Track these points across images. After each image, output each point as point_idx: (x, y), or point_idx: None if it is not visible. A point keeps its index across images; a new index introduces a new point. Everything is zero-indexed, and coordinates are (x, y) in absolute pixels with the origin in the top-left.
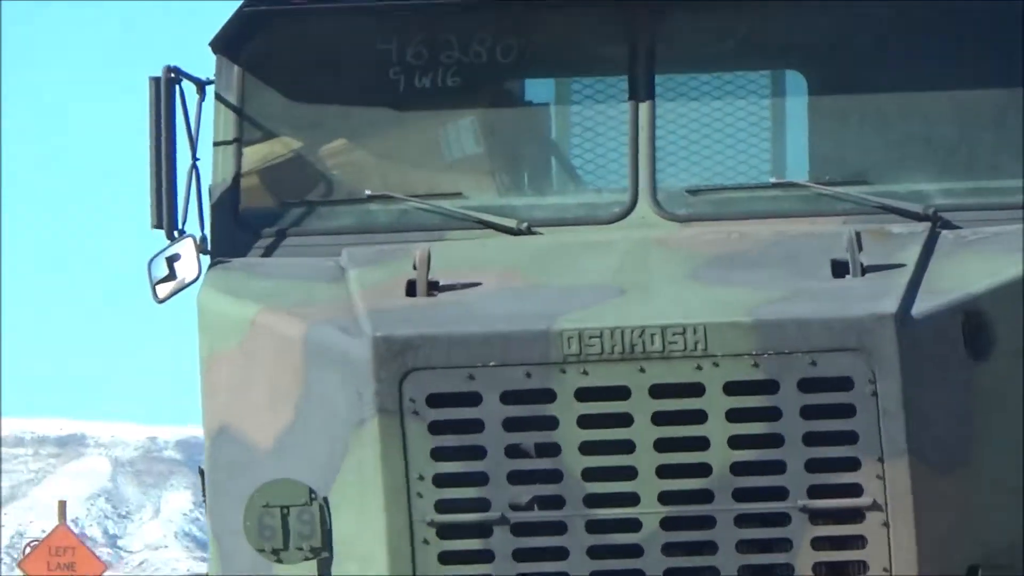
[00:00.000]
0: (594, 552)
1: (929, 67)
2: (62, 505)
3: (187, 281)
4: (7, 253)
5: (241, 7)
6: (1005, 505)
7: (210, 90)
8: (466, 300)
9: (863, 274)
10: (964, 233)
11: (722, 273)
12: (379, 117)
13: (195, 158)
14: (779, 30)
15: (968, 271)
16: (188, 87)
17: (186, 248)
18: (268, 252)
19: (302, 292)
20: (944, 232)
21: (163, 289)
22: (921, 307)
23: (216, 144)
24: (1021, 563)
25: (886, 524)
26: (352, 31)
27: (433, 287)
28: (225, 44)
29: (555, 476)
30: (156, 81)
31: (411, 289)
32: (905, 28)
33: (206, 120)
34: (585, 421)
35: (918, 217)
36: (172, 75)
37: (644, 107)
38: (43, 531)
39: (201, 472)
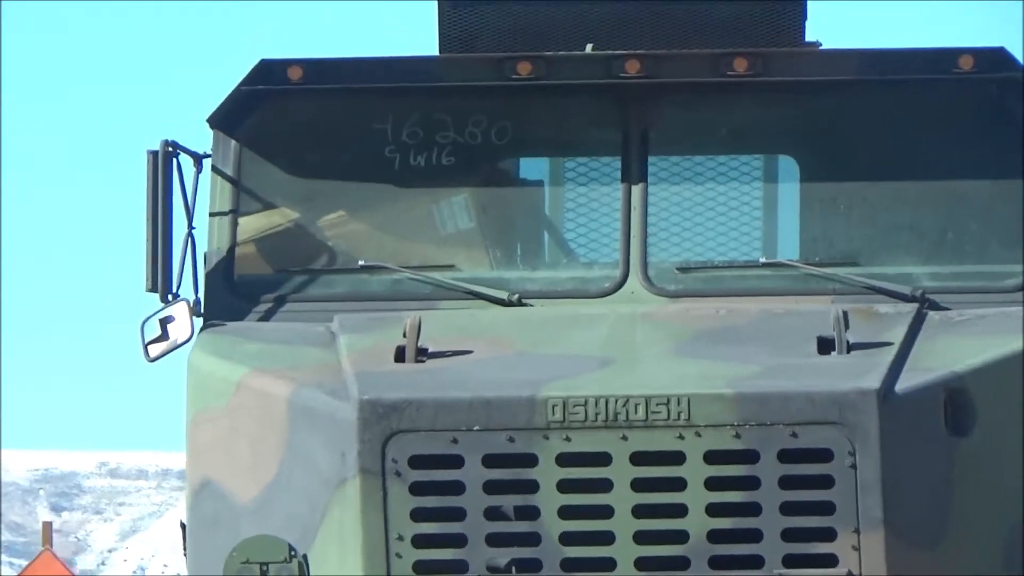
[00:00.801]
0: None
1: (918, 155)
2: (47, 527)
3: (179, 342)
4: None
5: (239, 85)
6: None
7: (206, 163)
8: (453, 367)
9: (848, 351)
10: (950, 314)
11: (708, 347)
12: (374, 192)
13: (191, 226)
14: (771, 117)
15: (952, 351)
16: (184, 160)
17: (180, 311)
18: (260, 317)
19: (291, 355)
20: (931, 313)
21: (155, 349)
22: (904, 384)
23: (212, 214)
24: None
25: None
26: (348, 110)
27: (422, 353)
28: (222, 120)
29: (533, 539)
30: (154, 155)
31: (400, 355)
32: (895, 116)
33: (202, 190)
34: (565, 486)
35: (905, 298)
36: (169, 149)
37: (637, 188)
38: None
39: (182, 525)
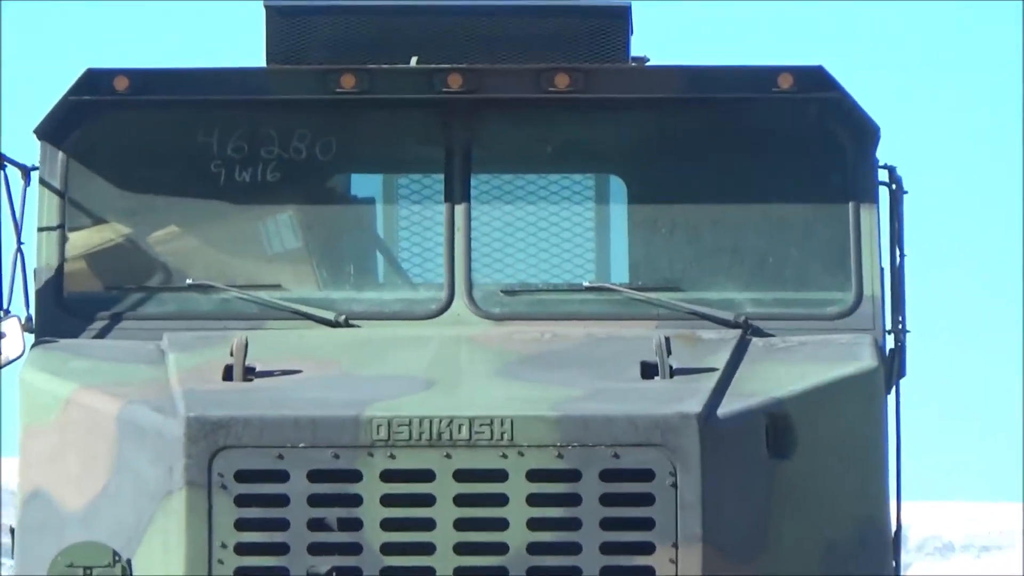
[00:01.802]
0: None
1: (740, 176)
2: None
3: (11, 358)
4: None
5: (65, 95)
6: None
7: (34, 176)
8: (280, 386)
9: (671, 376)
10: (773, 341)
11: (532, 371)
12: (201, 208)
13: (19, 242)
14: (593, 135)
15: (774, 376)
16: (12, 173)
17: (11, 327)
18: (91, 334)
19: (120, 372)
20: (754, 339)
21: None
22: (725, 408)
23: (40, 229)
24: None
25: None
26: (175, 123)
27: (249, 372)
28: (49, 131)
29: (355, 549)
30: None
31: (228, 374)
32: (717, 136)
33: (31, 204)
34: (389, 500)
35: (729, 324)
36: None
37: (460, 208)
38: None
39: (12, 531)
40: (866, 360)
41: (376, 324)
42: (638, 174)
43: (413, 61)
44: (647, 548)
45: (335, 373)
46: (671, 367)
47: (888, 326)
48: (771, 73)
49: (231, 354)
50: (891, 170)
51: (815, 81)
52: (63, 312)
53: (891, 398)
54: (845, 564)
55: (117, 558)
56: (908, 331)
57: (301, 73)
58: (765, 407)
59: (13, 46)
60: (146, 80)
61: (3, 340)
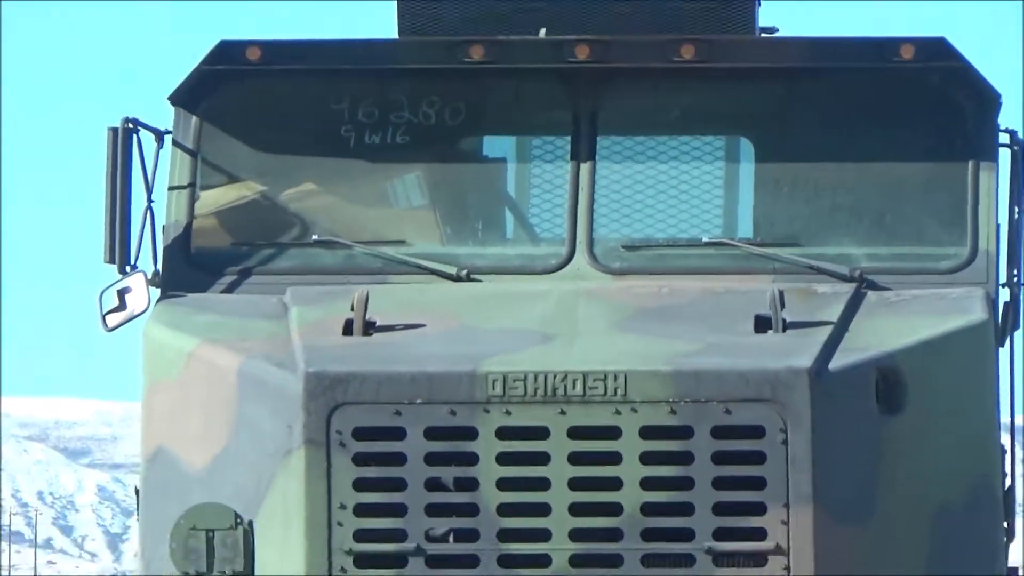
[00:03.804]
0: None
1: (863, 143)
2: None
3: (136, 312)
4: None
5: (199, 65)
6: (905, 557)
7: (167, 140)
8: (399, 341)
9: (784, 330)
10: (887, 295)
11: (647, 324)
12: (328, 168)
13: (150, 200)
14: (715, 102)
15: (886, 331)
16: (145, 138)
17: (137, 282)
18: (217, 289)
19: (242, 327)
20: (868, 293)
21: (113, 319)
22: (837, 363)
23: (171, 188)
24: None
25: (787, 568)
26: (305, 90)
27: (370, 327)
28: (183, 98)
29: (471, 510)
30: (114, 131)
31: (348, 328)
32: (837, 103)
33: (162, 166)
34: (504, 458)
35: (844, 278)
36: (129, 125)
37: (585, 166)
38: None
39: (137, 491)
40: (977, 313)
41: (497, 278)
42: (758, 137)
43: (542, 33)
44: (759, 509)
45: (454, 327)
46: (784, 321)
47: (1003, 280)
48: (893, 44)
49: (352, 308)
50: (1012, 134)
51: (937, 52)
52: (190, 267)
53: (1005, 351)
54: (955, 525)
55: (239, 520)
56: (1023, 284)
57: (431, 44)
58: (876, 361)
59: (145, 23)
60: (277, 51)
61: (129, 295)
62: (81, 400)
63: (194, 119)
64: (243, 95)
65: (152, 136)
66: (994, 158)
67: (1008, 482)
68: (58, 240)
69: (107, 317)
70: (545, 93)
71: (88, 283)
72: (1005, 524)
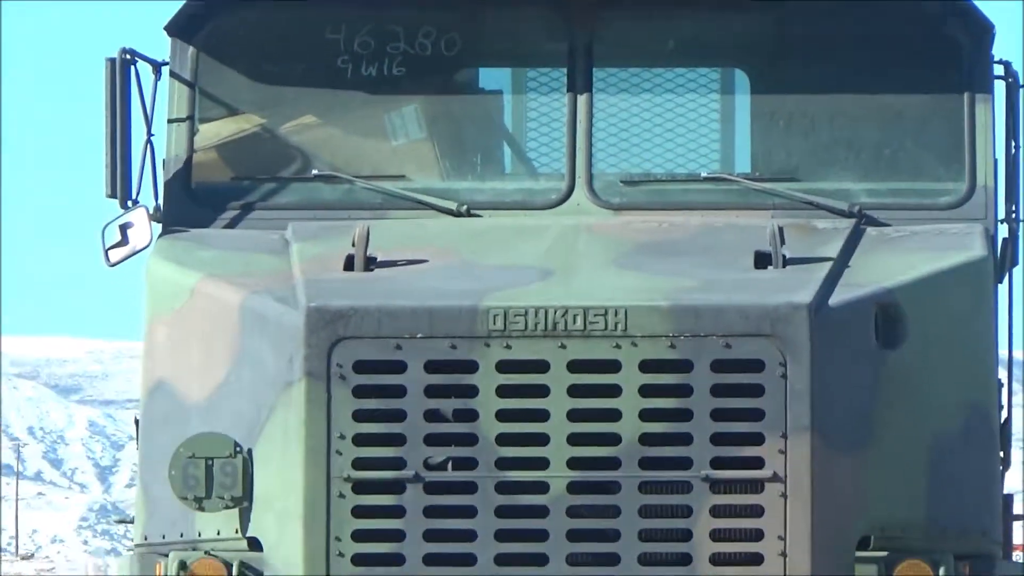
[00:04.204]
0: (502, 511)
1: (860, 76)
2: None
3: (138, 248)
4: None
5: None
6: (902, 485)
7: (165, 71)
8: (400, 276)
9: (784, 266)
10: (886, 230)
11: (647, 260)
12: (327, 101)
13: (150, 134)
14: (714, 32)
15: (885, 266)
16: (143, 68)
17: (139, 217)
18: (218, 224)
19: (244, 262)
20: (868, 229)
21: (116, 254)
22: (836, 299)
23: (170, 121)
24: (913, 538)
25: (784, 495)
26: (301, 20)
27: (371, 262)
28: (179, 28)
29: (470, 439)
30: (112, 62)
31: (349, 263)
32: (838, 39)
33: (161, 99)
34: (504, 391)
35: (843, 214)
36: (127, 56)
37: (582, 99)
38: None
39: (136, 422)
40: (976, 249)
41: (497, 213)
42: (757, 69)
43: None
44: (757, 439)
45: (454, 263)
46: (784, 257)
47: (1001, 216)
48: None
49: (353, 244)
50: (1007, 65)
51: None
52: (191, 202)
53: (1003, 287)
54: (952, 455)
55: (238, 449)
56: (1022, 220)
57: None
58: (875, 297)
59: None
60: None
61: (131, 230)
62: (73, 339)
63: (191, 50)
64: (239, 25)
65: (150, 68)
66: (989, 90)
67: (1004, 414)
68: (52, 178)
69: (109, 252)
70: (540, 24)
71: (82, 222)
72: (1001, 454)
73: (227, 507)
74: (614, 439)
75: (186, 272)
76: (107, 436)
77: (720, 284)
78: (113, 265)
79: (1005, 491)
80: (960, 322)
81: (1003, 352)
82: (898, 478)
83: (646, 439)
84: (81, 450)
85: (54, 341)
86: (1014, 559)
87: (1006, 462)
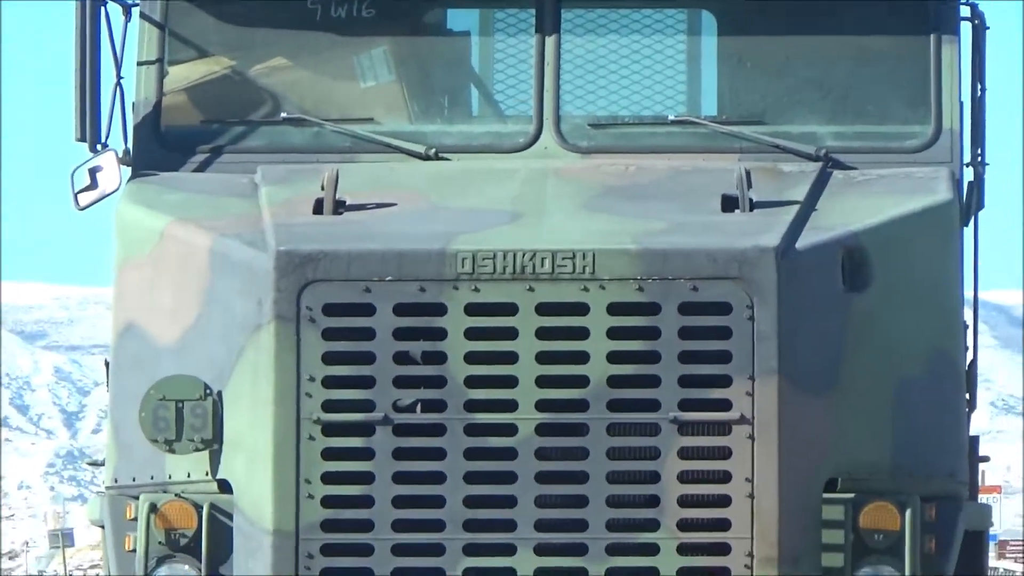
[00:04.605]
0: (470, 453)
1: (827, 18)
2: None
3: (108, 192)
4: None
5: None
6: (868, 427)
7: (135, 12)
8: (369, 219)
9: (751, 209)
10: (853, 174)
11: (615, 203)
12: (296, 43)
13: (119, 76)
14: None
15: (851, 209)
16: (114, 10)
17: (108, 160)
18: (187, 168)
19: (213, 206)
20: (834, 172)
21: (85, 198)
22: (803, 242)
23: (140, 63)
24: (880, 480)
25: (751, 437)
26: None
27: (339, 206)
28: None
29: (439, 382)
30: (82, 3)
31: (318, 207)
32: None
33: (131, 41)
34: (472, 333)
35: (810, 157)
36: None
37: (550, 41)
38: None
39: (107, 365)
40: (941, 193)
41: (465, 157)
42: (727, 10)
43: None
44: (724, 381)
45: (423, 206)
46: (751, 200)
47: (967, 159)
48: None
49: (322, 187)
50: (973, 6)
51: None
52: (160, 146)
53: (969, 230)
54: (918, 397)
55: (208, 391)
56: (987, 164)
57: None
58: (841, 240)
59: None
60: None
61: (100, 174)
62: (39, 284)
63: None
64: None
65: (120, 9)
66: (955, 32)
67: (970, 356)
68: (17, 122)
69: (79, 196)
70: None
71: (47, 167)
72: (967, 396)
73: (197, 449)
74: (582, 381)
75: (156, 216)
76: (73, 382)
77: (688, 227)
78: (82, 209)
79: (971, 433)
80: (926, 265)
81: (969, 294)
82: (864, 420)
83: (614, 381)
84: (47, 396)
85: (19, 287)
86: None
87: (972, 404)
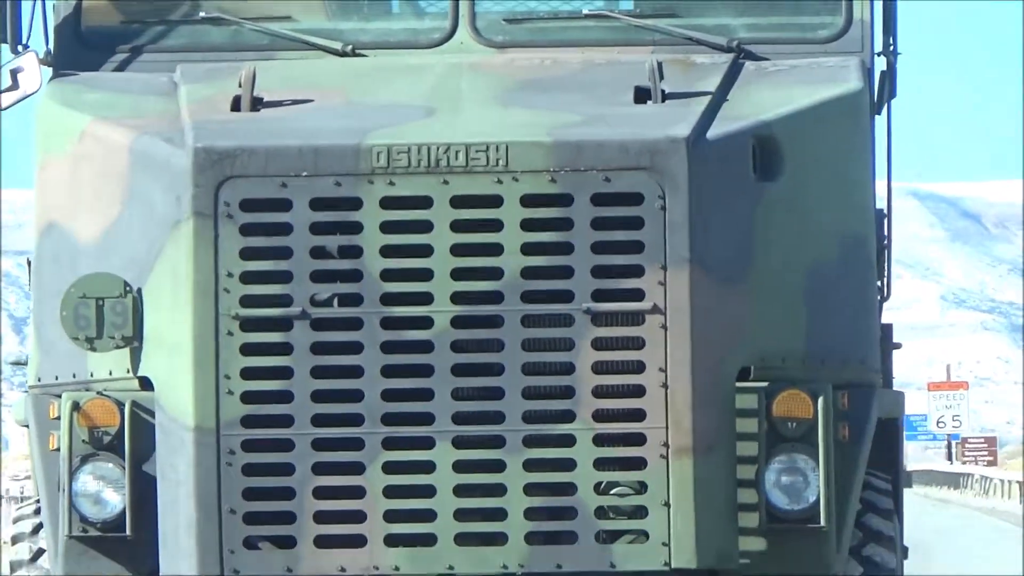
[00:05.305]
0: (387, 347)
1: None
2: None
3: (29, 92)
4: None
5: None
6: (781, 316)
7: None
8: (286, 115)
9: (663, 101)
10: (764, 65)
11: (529, 97)
12: None
13: None
14: None
15: (762, 99)
16: None
17: (29, 61)
18: (107, 68)
19: (134, 104)
20: (746, 63)
21: (7, 98)
22: (714, 132)
23: None
24: (793, 368)
25: (664, 327)
26: None
27: (257, 103)
28: None
29: (355, 276)
30: None
31: (236, 104)
32: None
33: None
34: (388, 227)
35: (722, 49)
36: None
37: None
38: None
39: (28, 263)
40: (852, 82)
41: (382, 53)
42: None
43: None
44: (636, 271)
45: (339, 102)
46: (663, 92)
47: (879, 48)
48: None
49: (240, 85)
50: None
51: None
52: (80, 46)
53: (882, 120)
54: (830, 285)
55: (128, 289)
56: (899, 53)
57: None
58: (752, 130)
59: None
60: None
61: (21, 74)
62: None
63: None
64: None
65: None
66: None
67: (885, 245)
68: None
69: (2, 96)
70: None
71: None
72: (882, 284)
73: (118, 347)
74: (496, 273)
75: (76, 115)
76: (21, 287)
77: (600, 119)
78: (4, 109)
79: (884, 321)
80: (837, 153)
81: (882, 184)
82: (777, 309)
83: (527, 273)
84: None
85: None
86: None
87: (886, 292)
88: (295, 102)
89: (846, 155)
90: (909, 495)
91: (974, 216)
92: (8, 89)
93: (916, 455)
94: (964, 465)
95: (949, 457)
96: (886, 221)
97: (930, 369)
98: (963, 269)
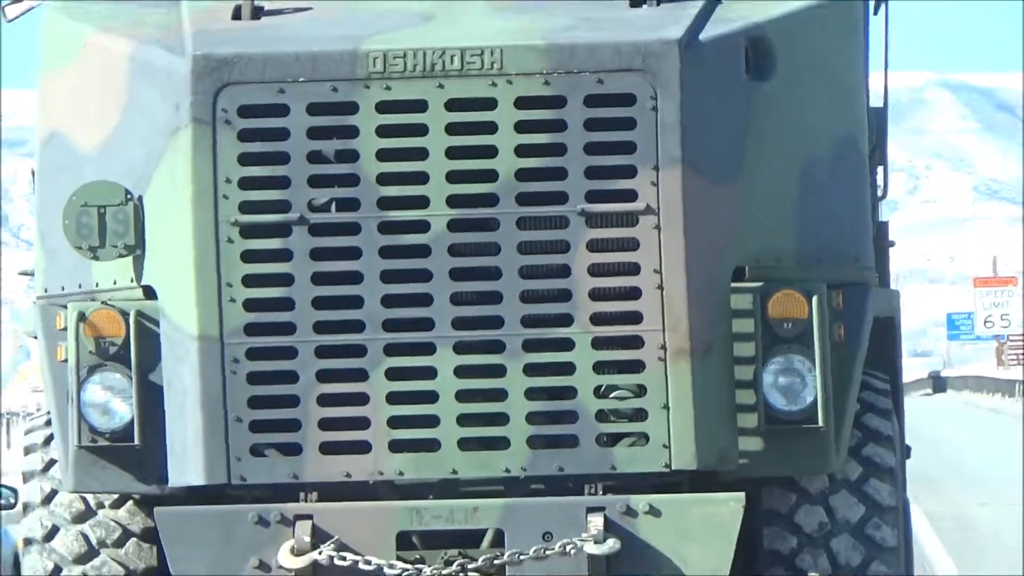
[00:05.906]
0: (385, 252)
1: None
2: None
3: (34, 3)
4: None
5: None
6: (774, 215)
7: None
8: (285, 23)
9: (658, 4)
10: None
11: (524, 2)
12: None
13: None
14: None
15: (755, 2)
16: None
17: None
18: None
19: (136, 15)
20: None
21: (12, 10)
22: (707, 34)
23: None
24: (787, 268)
25: (657, 227)
26: None
27: (258, 12)
28: None
29: (352, 180)
30: None
31: (237, 13)
32: None
33: None
34: (384, 131)
35: None
36: None
37: None
38: None
39: (32, 173)
40: None
41: None
42: None
43: None
44: (629, 172)
45: (338, 9)
46: None
47: None
48: None
49: None
50: None
51: None
52: None
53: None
54: (823, 185)
55: (129, 196)
56: None
57: None
58: (745, 31)
59: None
60: None
61: None
62: (20, 91)
63: None
64: None
65: None
66: None
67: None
68: None
69: (7, 8)
70: None
71: None
72: (879, 183)
73: (120, 255)
74: (491, 176)
75: (79, 26)
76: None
77: (595, 22)
78: (10, 21)
79: (883, 219)
80: (830, 53)
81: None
82: (770, 209)
83: (522, 175)
84: (26, 206)
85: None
86: None
87: (883, 190)
88: (295, 10)
89: (838, 55)
90: (955, 403)
91: (1008, 108)
92: (13, 1)
93: (962, 356)
94: (1008, 369)
95: (999, 361)
96: (883, 120)
97: (962, 263)
98: (996, 161)
